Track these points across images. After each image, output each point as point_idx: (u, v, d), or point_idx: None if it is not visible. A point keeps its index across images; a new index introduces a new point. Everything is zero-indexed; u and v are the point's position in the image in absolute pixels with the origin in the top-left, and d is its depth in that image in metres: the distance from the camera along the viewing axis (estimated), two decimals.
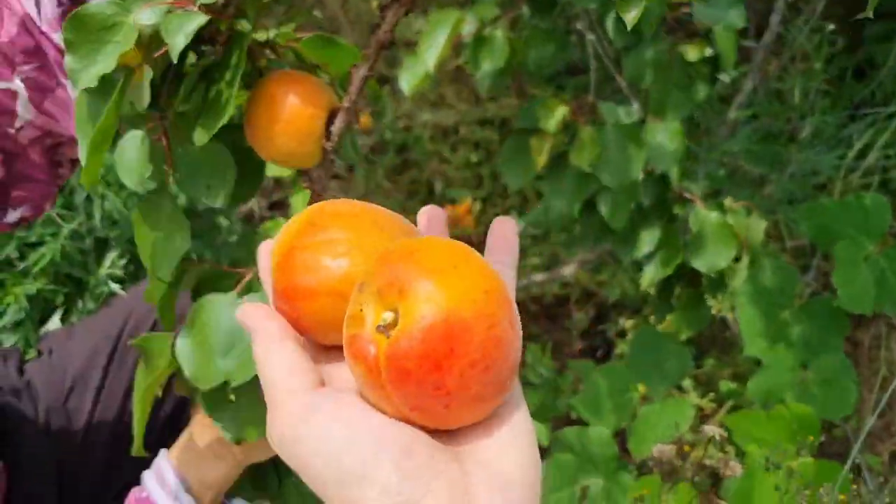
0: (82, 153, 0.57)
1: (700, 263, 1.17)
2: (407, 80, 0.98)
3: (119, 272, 1.22)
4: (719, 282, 1.23)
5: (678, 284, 1.29)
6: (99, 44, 0.53)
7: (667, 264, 1.20)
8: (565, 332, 1.92)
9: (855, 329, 1.74)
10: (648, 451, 1.31)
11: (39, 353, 1.09)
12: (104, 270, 1.22)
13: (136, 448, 0.71)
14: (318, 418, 0.38)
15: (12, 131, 0.74)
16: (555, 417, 1.63)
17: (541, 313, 1.99)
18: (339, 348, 0.44)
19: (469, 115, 2.33)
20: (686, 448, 1.20)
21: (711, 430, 1.16)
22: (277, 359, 0.42)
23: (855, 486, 1.22)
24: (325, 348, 0.46)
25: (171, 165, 0.65)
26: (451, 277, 0.38)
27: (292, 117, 0.65)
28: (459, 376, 0.37)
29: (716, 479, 1.45)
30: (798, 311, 1.36)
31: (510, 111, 2.33)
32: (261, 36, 0.68)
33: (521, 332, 0.40)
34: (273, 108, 0.65)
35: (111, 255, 1.23)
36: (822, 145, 1.79)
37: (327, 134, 0.66)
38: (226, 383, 0.64)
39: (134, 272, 1.25)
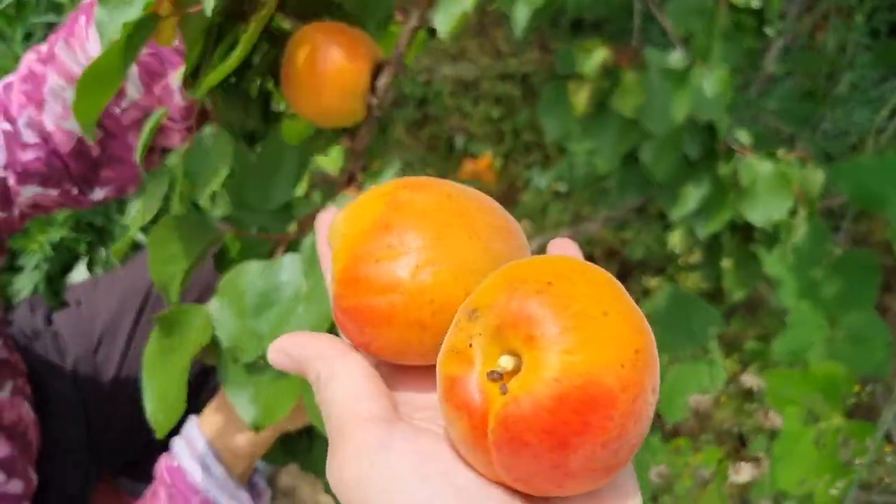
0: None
1: (754, 216, 1.09)
2: (443, 21, 0.92)
3: (143, 221, 1.18)
4: (774, 236, 1.15)
5: (729, 241, 1.21)
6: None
7: (716, 219, 1.12)
8: None
9: (883, 294, 1.70)
10: (679, 413, 1.28)
11: (67, 304, 1.07)
12: (127, 219, 1.18)
13: (160, 433, 0.64)
14: (391, 460, 0.31)
15: (118, 111, 0.73)
16: None
17: None
18: (418, 371, 0.37)
19: (490, 69, 2.27)
20: (723, 399, 1.16)
21: (750, 380, 1.12)
22: (342, 378, 0.35)
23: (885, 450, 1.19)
24: (397, 369, 0.38)
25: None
26: (598, 329, 0.29)
27: (336, 72, 0.58)
28: (587, 457, 0.29)
29: (743, 436, 1.42)
30: (829, 267, 1.32)
31: (532, 66, 2.27)
32: None
33: (658, 395, 0.32)
34: (314, 61, 0.58)
35: (136, 205, 1.19)
36: (856, 103, 1.73)
37: (372, 89, 0.60)
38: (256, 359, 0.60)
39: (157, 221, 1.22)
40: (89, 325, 1.04)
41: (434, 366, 0.34)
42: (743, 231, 1.19)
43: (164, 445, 0.99)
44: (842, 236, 1.73)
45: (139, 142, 0.61)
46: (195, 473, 0.73)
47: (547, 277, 0.30)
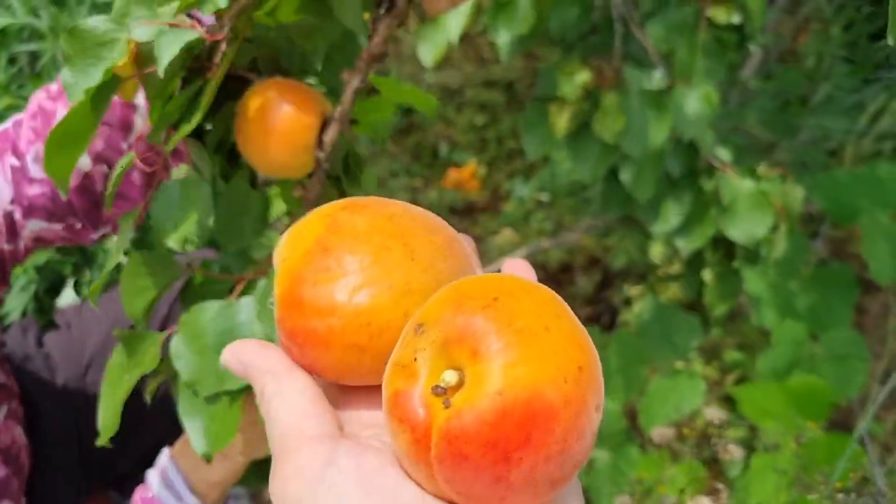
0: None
1: (736, 233, 1.10)
2: (427, 51, 0.91)
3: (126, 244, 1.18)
4: (755, 253, 1.16)
5: (711, 256, 1.22)
6: (95, 59, 0.50)
7: (698, 236, 1.13)
8: (570, 300, 1.89)
9: (862, 297, 1.71)
10: (657, 423, 1.29)
11: (57, 326, 1.08)
12: (111, 243, 1.18)
13: (103, 439, 0.66)
14: (335, 480, 0.31)
15: (124, 146, 0.73)
16: None
17: (545, 280, 1.95)
18: (366, 389, 0.37)
19: (475, 76, 2.27)
20: (686, 431, 1.16)
21: (712, 413, 1.13)
22: (287, 397, 0.34)
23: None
24: (344, 388, 0.38)
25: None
26: (541, 344, 0.29)
27: (287, 129, 0.60)
28: (529, 471, 0.29)
29: (715, 461, 1.43)
30: (806, 280, 1.33)
31: (516, 73, 2.27)
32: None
33: (601, 413, 0.32)
34: (266, 118, 0.60)
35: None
36: (834, 110, 1.74)
37: (320, 143, 0.62)
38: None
39: (139, 245, 1.22)
40: (79, 347, 1.05)
41: (381, 385, 0.34)
42: (724, 247, 1.19)
43: (152, 461, 1.00)
44: (820, 242, 1.74)
45: (110, 187, 0.61)
46: None
47: (493, 294, 0.31)
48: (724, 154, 1.14)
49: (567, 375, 0.29)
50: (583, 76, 0.99)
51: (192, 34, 0.50)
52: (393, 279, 0.34)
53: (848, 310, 1.28)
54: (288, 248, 0.36)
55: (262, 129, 0.60)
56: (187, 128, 0.54)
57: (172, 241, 0.60)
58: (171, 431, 0.86)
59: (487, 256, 1.90)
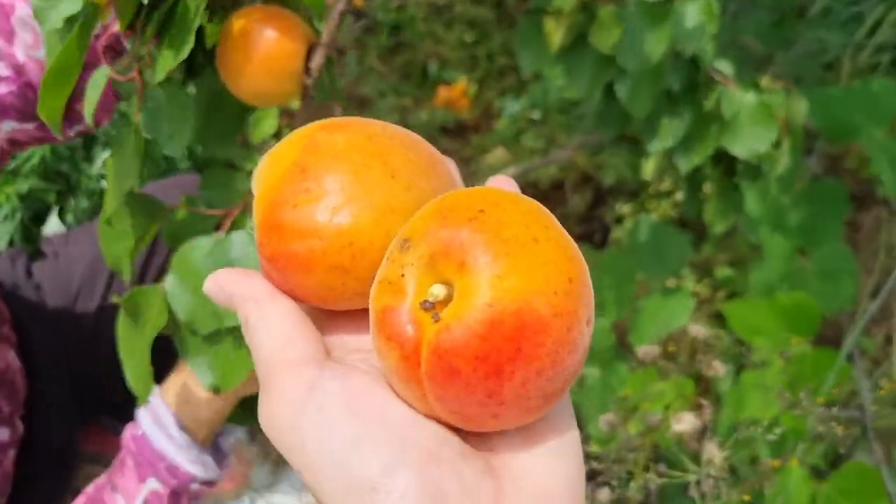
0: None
1: (738, 149, 1.06)
2: None
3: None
4: (756, 168, 1.11)
5: (711, 173, 1.18)
6: None
7: (698, 153, 1.08)
8: (562, 218, 1.87)
9: (857, 212, 1.70)
10: (648, 342, 1.30)
11: (45, 255, 1.07)
12: (95, 168, 1.16)
13: (142, 399, 0.66)
14: (322, 402, 0.30)
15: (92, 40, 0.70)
16: None
17: (537, 198, 1.93)
18: (351, 314, 0.36)
19: None
20: (670, 348, 1.16)
21: (696, 330, 1.12)
22: (270, 322, 0.33)
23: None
24: (329, 314, 0.37)
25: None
26: (530, 255, 0.29)
27: (270, 55, 0.58)
28: (521, 385, 0.28)
29: (700, 377, 1.44)
30: (799, 196, 1.31)
31: None
32: None
33: (592, 327, 0.31)
34: (248, 45, 0.58)
35: (102, 154, 1.17)
36: (832, 23, 1.69)
37: (307, 70, 0.60)
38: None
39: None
40: (67, 276, 1.04)
41: (367, 309, 0.33)
42: (724, 163, 1.16)
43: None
44: (815, 158, 1.72)
45: (89, 98, 0.58)
46: (159, 441, 0.74)
47: (479, 206, 0.30)
48: (725, 67, 1.10)
49: (557, 287, 0.28)
50: None
51: None
52: (374, 198, 0.33)
53: (839, 225, 1.27)
54: (266, 171, 0.35)
55: (246, 56, 0.58)
56: (174, 59, 0.51)
57: (171, 150, 0.58)
58: (162, 361, 0.86)
59: (478, 176, 1.88)
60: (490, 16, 2.15)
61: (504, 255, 0.28)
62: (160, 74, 0.53)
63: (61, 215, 1.20)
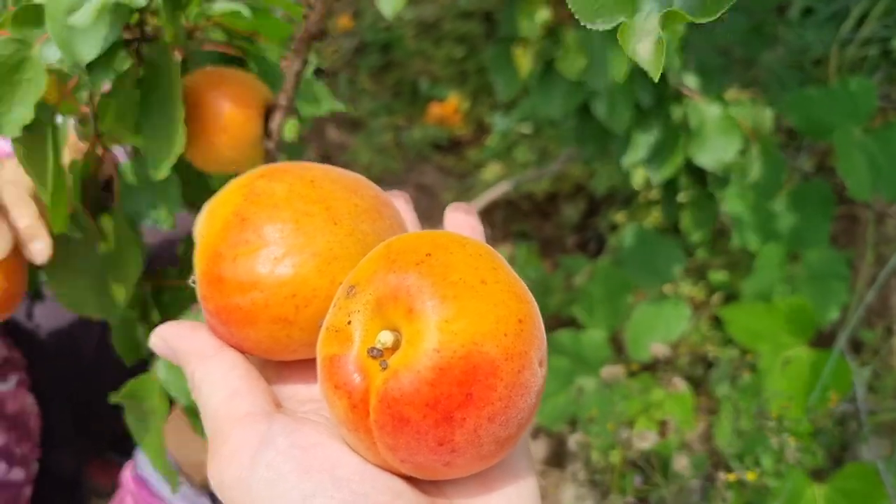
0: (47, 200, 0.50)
1: (705, 159, 1.08)
2: (387, 4, 0.86)
3: None
4: (723, 178, 1.13)
5: (686, 183, 1.19)
6: (10, 85, 0.45)
7: (669, 165, 1.10)
8: (557, 229, 1.87)
9: (854, 205, 1.68)
10: (645, 352, 1.28)
11: (44, 297, 1.08)
12: None
13: (173, 484, 0.64)
14: (271, 459, 0.29)
15: None
16: (547, 316, 1.60)
17: (532, 210, 1.93)
18: (302, 363, 0.34)
19: (451, 8, 2.20)
20: (633, 367, 1.16)
21: (659, 349, 1.13)
22: (216, 377, 0.32)
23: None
24: (279, 364, 0.35)
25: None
26: (478, 298, 0.27)
27: (226, 125, 0.54)
28: (472, 431, 0.27)
29: (703, 373, 1.43)
30: (785, 199, 1.30)
31: (492, 3, 2.20)
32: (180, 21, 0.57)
33: (546, 369, 0.30)
34: (203, 116, 0.53)
35: None
36: (811, 22, 1.68)
37: (267, 132, 0.56)
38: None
39: None
40: (63, 313, 1.04)
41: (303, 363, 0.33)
42: (697, 173, 1.17)
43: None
44: (805, 155, 1.70)
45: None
46: (157, 482, 0.74)
47: (426, 249, 0.29)
48: (691, 80, 1.10)
49: (507, 329, 0.27)
50: (543, 14, 0.95)
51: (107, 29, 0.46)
52: (316, 246, 0.32)
53: (826, 225, 1.26)
54: (206, 223, 0.34)
55: (201, 127, 0.54)
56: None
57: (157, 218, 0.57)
58: None
59: (474, 191, 1.87)
60: (478, 30, 2.14)
61: (452, 298, 0.27)
62: (162, 172, 0.50)
63: None
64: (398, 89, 2.12)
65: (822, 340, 1.32)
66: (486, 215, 1.88)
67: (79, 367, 1.04)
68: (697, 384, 1.41)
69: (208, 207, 0.35)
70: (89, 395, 1.03)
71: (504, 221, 1.88)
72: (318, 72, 0.60)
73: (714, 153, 1.06)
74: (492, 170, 1.93)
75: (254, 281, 0.32)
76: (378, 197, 0.36)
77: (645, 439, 0.85)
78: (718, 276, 1.57)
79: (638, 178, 1.48)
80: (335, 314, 0.30)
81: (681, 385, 1.02)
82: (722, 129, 1.05)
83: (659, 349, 1.18)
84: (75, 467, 1.02)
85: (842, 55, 1.71)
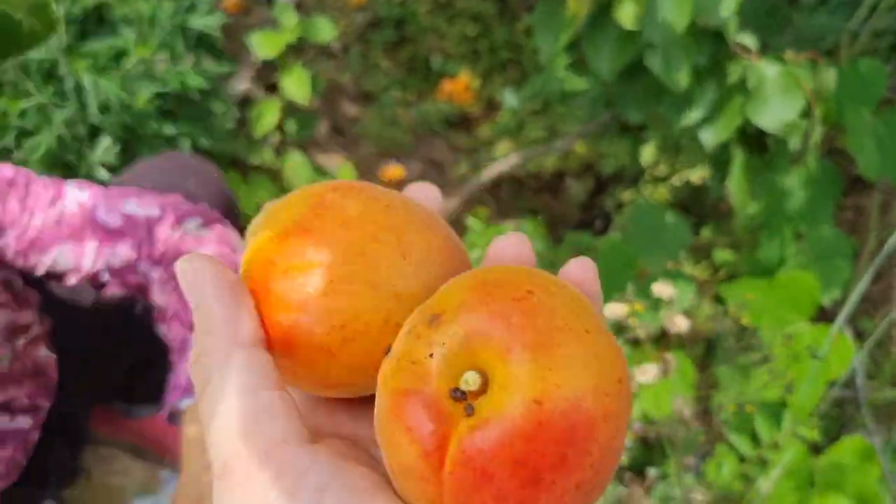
0: None
1: (765, 120, 1.02)
2: None
3: (112, 159, 1.17)
4: (784, 145, 1.07)
5: (739, 151, 1.13)
6: None
7: (724, 127, 1.04)
8: (564, 206, 1.87)
9: (859, 194, 1.69)
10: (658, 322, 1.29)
11: None
12: (97, 157, 1.17)
13: None
14: (308, 498, 0.23)
15: None
16: None
17: (540, 187, 1.93)
18: (337, 403, 0.30)
19: None
20: (637, 307, 1.14)
21: (660, 288, 1.11)
22: (243, 383, 0.25)
23: None
24: (314, 399, 0.31)
25: None
26: (582, 348, 0.24)
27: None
28: (558, 498, 0.24)
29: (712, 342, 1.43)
30: (793, 176, 1.30)
31: None
32: None
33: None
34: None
35: (104, 143, 1.17)
36: (824, 9, 1.68)
37: None
38: None
39: (125, 159, 1.20)
40: None
41: (343, 399, 0.29)
42: (751, 143, 1.13)
43: (148, 365, 1.01)
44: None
45: None
46: None
47: (525, 285, 0.25)
48: (748, 40, 1.06)
49: (609, 387, 0.24)
50: None
51: None
52: (379, 277, 0.28)
53: (830, 204, 1.26)
54: (263, 225, 0.30)
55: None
56: None
57: None
58: (151, 345, 0.88)
59: (481, 169, 1.88)
60: (492, 10, 2.14)
61: (557, 345, 0.24)
62: None
63: None
64: (411, 65, 2.12)
65: (824, 320, 1.33)
66: (493, 190, 1.89)
67: (93, 318, 1.05)
68: (698, 364, 1.42)
69: (268, 209, 0.31)
70: (102, 346, 1.04)
71: (510, 197, 1.89)
72: None
73: (774, 113, 1.02)
74: (502, 147, 1.93)
75: (302, 301, 0.28)
76: (451, 237, 0.32)
77: (646, 373, 0.86)
78: (723, 254, 1.58)
79: (647, 154, 1.48)
80: (411, 343, 0.26)
81: (683, 324, 1.01)
82: (782, 89, 1.01)
83: (679, 321, 1.18)
84: (81, 413, 1.03)
85: (852, 46, 1.71)
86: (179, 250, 0.81)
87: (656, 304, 1.12)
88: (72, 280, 0.82)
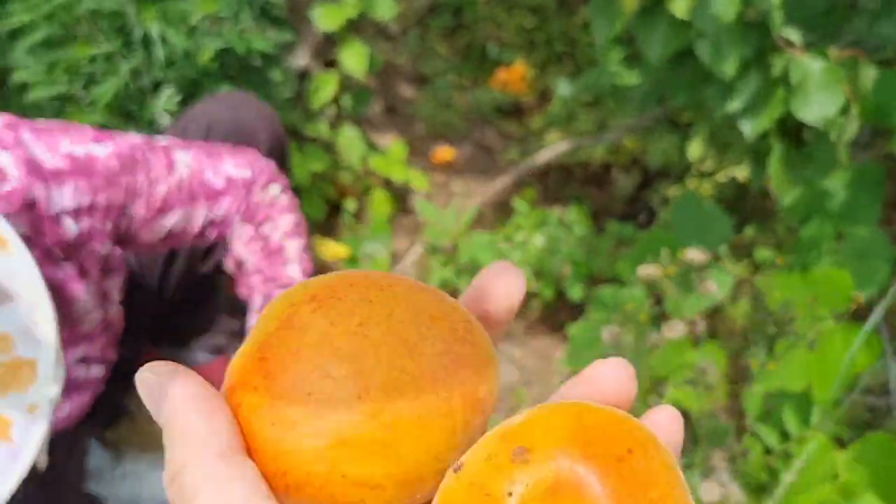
0: None
1: (807, 114, 1.04)
2: None
3: (174, 108, 1.23)
4: (824, 137, 1.10)
5: (777, 143, 1.16)
6: None
7: (765, 117, 1.07)
8: (609, 198, 1.89)
9: None
10: (683, 315, 1.31)
11: None
12: (160, 104, 1.22)
13: None
14: None
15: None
16: (589, 277, 1.63)
17: (587, 178, 1.96)
18: None
19: None
20: (668, 270, 1.16)
21: (694, 254, 1.13)
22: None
23: None
24: None
25: None
26: None
27: None
28: None
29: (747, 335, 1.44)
30: (836, 178, 1.30)
31: None
32: None
33: None
34: None
35: (167, 91, 1.23)
36: (884, 15, 1.66)
37: None
38: None
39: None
40: None
41: None
42: (790, 136, 1.15)
43: (184, 303, 1.09)
44: (866, 134, 1.69)
45: None
46: None
47: (626, 442, 0.24)
48: (793, 35, 1.08)
49: None
50: None
51: None
52: (323, 422, 0.24)
53: (876, 208, 1.26)
54: (254, 327, 0.27)
55: None
56: None
57: None
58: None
59: (530, 155, 1.91)
60: (551, 3, 2.17)
61: None
62: None
63: None
64: (467, 51, 2.16)
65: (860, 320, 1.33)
66: (541, 177, 1.92)
67: (151, 272, 1.11)
68: (731, 357, 1.43)
69: (274, 302, 0.27)
70: (157, 298, 1.11)
71: (558, 185, 1.92)
72: None
73: (817, 108, 1.04)
74: (551, 138, 1.96)
75: (253, 433, 0.25)
76: (455, 343, 0.26)
77: (673, 329, 0.88)
78: (765, 252, 1.58)
79: (694, 149, 1.50)
80: (489, 472, 0.23)
81: (713, 286, 1.03)
82: (825, 84, 1.03)
83: (710, 286, 1.19)
84: (133, 353, 1.09)
85: None
86: (268, 214, 0.93)
87: (689, 286, 1.14)
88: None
